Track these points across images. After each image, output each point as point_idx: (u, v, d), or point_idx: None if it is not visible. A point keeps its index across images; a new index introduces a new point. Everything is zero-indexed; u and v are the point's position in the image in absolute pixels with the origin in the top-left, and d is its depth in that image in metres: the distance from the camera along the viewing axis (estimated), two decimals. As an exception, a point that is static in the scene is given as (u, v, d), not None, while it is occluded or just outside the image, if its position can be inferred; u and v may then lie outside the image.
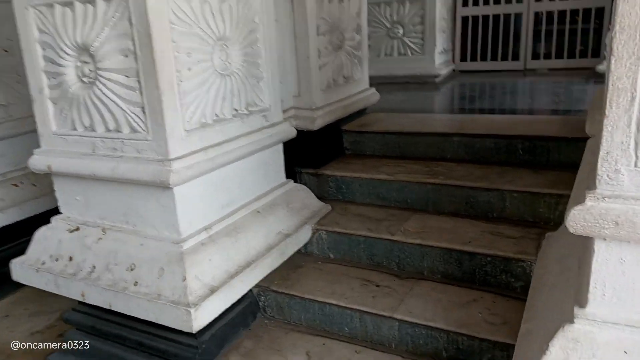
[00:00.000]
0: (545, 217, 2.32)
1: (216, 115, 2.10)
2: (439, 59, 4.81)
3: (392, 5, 4.76)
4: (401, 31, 4.79)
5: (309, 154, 2.82)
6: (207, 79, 2.01)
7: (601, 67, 4.09)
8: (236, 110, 2.21)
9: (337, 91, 3.01)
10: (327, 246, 2.47)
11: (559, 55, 4.88)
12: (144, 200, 1.98)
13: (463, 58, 5.26)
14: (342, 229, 2.43)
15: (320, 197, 2.73)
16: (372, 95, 3.37)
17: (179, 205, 1.92)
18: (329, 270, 2.35)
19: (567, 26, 4.81)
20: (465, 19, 5.16)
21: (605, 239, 1.27)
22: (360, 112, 3.26)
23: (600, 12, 4.63)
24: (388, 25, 4.81)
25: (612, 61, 1.17)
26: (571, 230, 1.28)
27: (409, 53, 4.82)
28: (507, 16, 5.03)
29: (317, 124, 2.74)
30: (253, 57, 2.27)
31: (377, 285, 2.21)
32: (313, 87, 2.76)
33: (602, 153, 1.22)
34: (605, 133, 1.21)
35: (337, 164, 2.89)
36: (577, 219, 1.25)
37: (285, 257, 2.28)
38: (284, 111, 2.59)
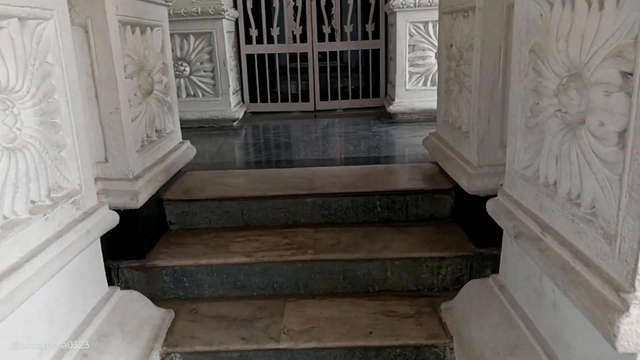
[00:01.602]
0: (429, 282, 2.11)
1: (4, 217, 1.24)
2: (234, 101, 4.39)
3: (174, 39, 4.12)
4: (188, 69, 4.21)
5: (130, 242, 2.04)
6: (-15, 159, 1.16)
7: (392, 108, 4.27)
8: (34, 202, 1.37)
9: (152, 150, 2.30)
10: (186, 374, 1.77)
11: (345, 96, 4.99)
12: None
13: (253, 99, 4.94)
14: (205, 346, 1.77)
15: (152, 298, 1.98)
16: (189, 151, 2.73)
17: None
18: (200, 413, 1.67)
19: (349, 67, 4.96)
20: (250, 58, 4.86)
21: (649, 349, 1.03)
22: (178, 173, 2.59)
23: (376, 53, 4.90)
24: (171, 62, 4.16)
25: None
26: (620, 350, 1.00)
27: (200, 94, 4.25)
28: (293, 56, 4.93)
29: (142, 199, 2.00)
30: (51, 116, 1.47)
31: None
32: (127, 149, 2.02)
33: None
34: (645, 224, 0.98)
35: (167, 248, 2.17)
36: (630, 336, 0.98)
37: (139, 418, 1.51)
38: (92, 187, 1.79)
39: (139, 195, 1.98)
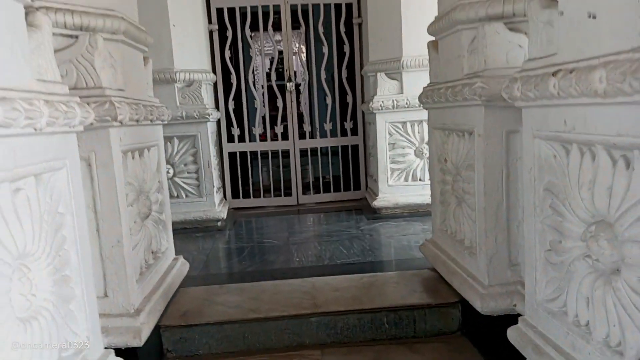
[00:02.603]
0: (447, 409, 2.02)
1: (15, 401, 1.13)
2: (217, 200, 4.35)
3: (157, 142, 4.13)
4: (172, 171, 4.17)
5: (129, 383, 1.89)
6: None
7: (376, 203, 4.31)
8: (43, 371, 1.26)
9: (150, 276, 2.21)
10: None
11: (326, 190, 5.04)
12: None
13: (235, 195, 4.92)
14: None
15: None
16: (183, 267, 2.64)
17: None
18: None
19: (330, 162, 5.05)
20: (232, 155, 4.89)
21: None
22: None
23: (355, 148, 5.03)
24: (154, 164, 4.14)
25: None
26: None
27: (184, 195, 4.20)
28: (274, 153, 5.00)
29: (144, 336, 1.88)
30: (62, 270, 1.39)
31: None
32: (129, 282, 1.93)
33: None
34: None
35: (168, 385, 2.03)
36: None
37: None
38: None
39: (142, 333, 1.87)
